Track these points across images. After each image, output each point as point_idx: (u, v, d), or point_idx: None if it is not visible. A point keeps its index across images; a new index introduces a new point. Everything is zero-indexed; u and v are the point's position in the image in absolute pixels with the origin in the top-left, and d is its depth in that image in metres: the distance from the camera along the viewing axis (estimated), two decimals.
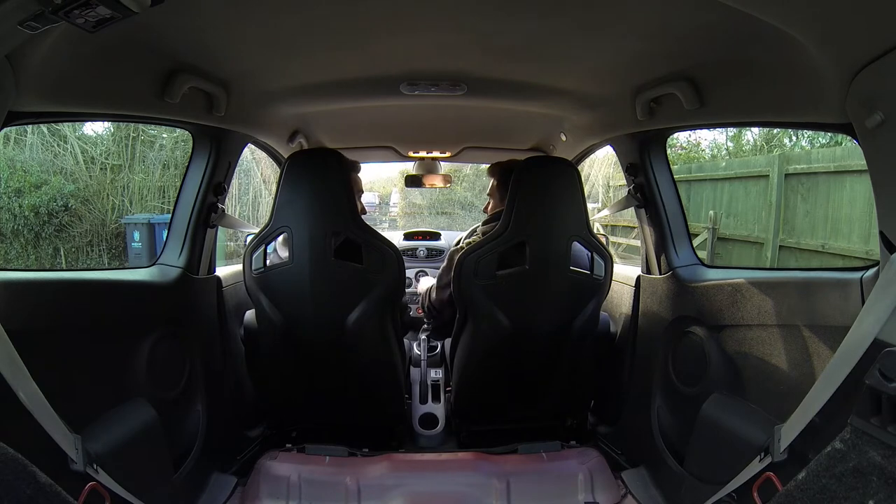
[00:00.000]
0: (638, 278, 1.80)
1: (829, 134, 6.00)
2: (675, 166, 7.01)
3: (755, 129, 8.17)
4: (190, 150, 1.66)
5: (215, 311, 1.74)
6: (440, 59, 1.41)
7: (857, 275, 1.04)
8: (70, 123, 7.23)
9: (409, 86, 1.52)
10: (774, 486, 1.06)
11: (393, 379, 1.67)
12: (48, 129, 7.28)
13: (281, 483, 1.49)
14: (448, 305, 1.71)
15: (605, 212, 2.22)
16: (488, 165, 1.97)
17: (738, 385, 1.36)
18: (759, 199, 5.87)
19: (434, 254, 2.93)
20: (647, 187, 1.69)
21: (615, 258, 1.77)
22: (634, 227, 7.04)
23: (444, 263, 1.75)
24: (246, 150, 1.91)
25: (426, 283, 1.98)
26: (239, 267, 1.88)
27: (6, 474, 0.85)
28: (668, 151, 1.74)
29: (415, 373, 2.11)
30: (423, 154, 2.52)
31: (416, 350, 2.26)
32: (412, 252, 2.91)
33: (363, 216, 1.56)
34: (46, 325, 1.16)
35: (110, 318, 1.34)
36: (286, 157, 1.51)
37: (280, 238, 1.49)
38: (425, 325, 2.14)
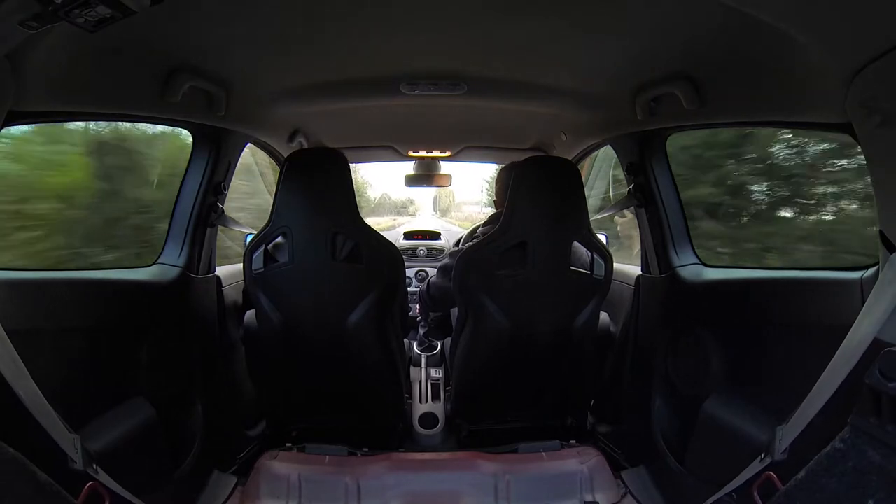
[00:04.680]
0: (638, 278, 1.79)
1: None
2: None
3: None
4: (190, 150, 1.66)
5: (215, 310, 1.74)
6: (440, 59, 1.41)
7: (857, 275, 1.04)
8: None
9: (409, 85, 1.52)
10: (774, 485, 1.06)
11: (393, 378, 1.67)
12: None
13: (281, 482, 1.49)
14: (447, 295, 1.71)
15: (606, 212, 2.22)
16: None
17: (738, 385, 1.37)
18: None
19: (434, 253, 2.93)
20: (647, 187, 1.69)
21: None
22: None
23: (445, 262, 1.74)
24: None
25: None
26: (239, 267, 1.88)
27: (6, 474, 0.85)
28: None
29: (415, 372, 2.11)
30: (422, 154, 2.52)
31: (416, 350, 2.26)
32: (412, 252, 2.91)
33: None
34: (46, 325, 1.16)
35: (110, 317, 1.34)
36: (286, 156, 1.51)
37: (277, 239, 1.49)
38: (421, 323, 2.14)
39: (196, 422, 1.60)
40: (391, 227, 4.82)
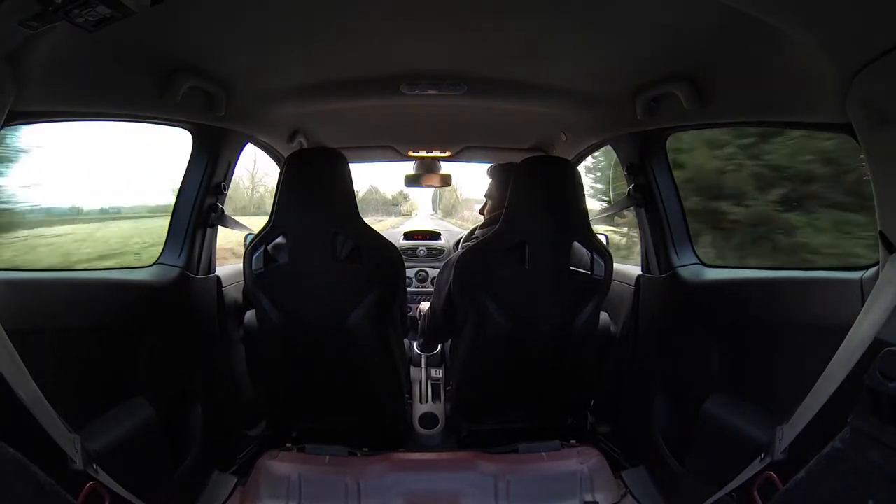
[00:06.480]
0: (638, 278, 1.80)
1: None
2: None
3: None
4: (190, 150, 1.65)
5: (215, 310, 1.74)
6: (440, 59, 1.40)
7: (857, 275, 1.04)
8: None
9: (409, 85, 1.52)
10: (774, 485, 1.06)
11: (393, 379, 1.67)
12: None
13: (281, 482, 1.49)
14: (448, 315, 1.68)
15: (606, 212, 2.22)
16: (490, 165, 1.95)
17: (738, 385, 1.37)
18: None
19: (434, 253, 2.93)
20: (647, 187, 1.69)
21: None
22: None
23: (441, 273, 1.71)
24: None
25: (425, 307, 1.96)
26: (239, 266, 1.88)
27: (6, 474, 0.85)
28: None
29: (415, 372, 2.11)
30: (422, 154, 2.52)
31: (416, 350, 2.26)
32: (412, 252, 2.91)
33: None
34: (46, 325, 1.16)
35: (110, 317, 1.34)
36: (286, 156, 1.51)
37: (278, 239, 1.49)
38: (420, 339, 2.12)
39: (196, 422, 1.60)
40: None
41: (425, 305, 1.95)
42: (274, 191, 1.49)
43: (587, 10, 1.08)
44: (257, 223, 1.66)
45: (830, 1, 0.81)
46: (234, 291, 1.89)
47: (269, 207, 1.47)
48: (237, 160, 1.78)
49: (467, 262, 1.50)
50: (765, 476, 1.09)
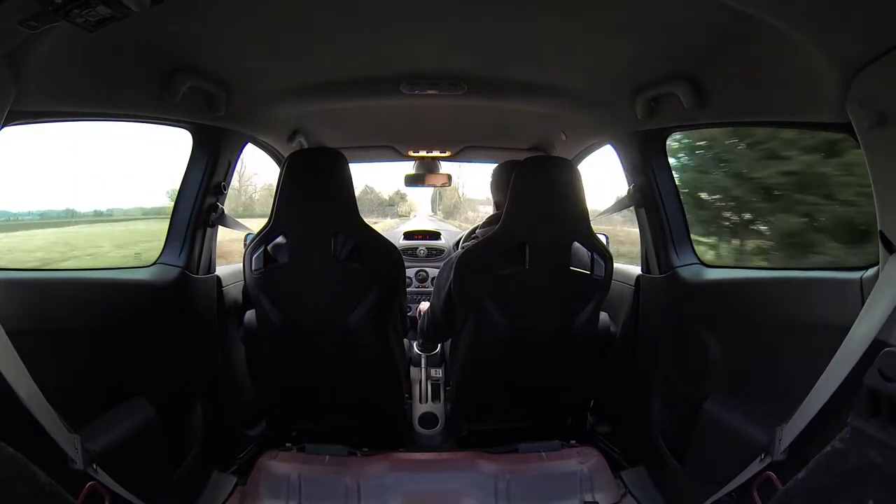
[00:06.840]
0: (638, 278, 1.80)
1: None
2: None
3: None
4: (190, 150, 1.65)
5: (215, 310, 1.74)
6: (440, 59, 1.41)
7: (857, 275, 1.04)
8: None
9: (409, 85, 1.52)
10: (774, 485, 1.06)
11: (393, 379, 1.67)
12: None
13: (281, 482, 1.49)
14: (448, 315, 1.68)
15: (606, 212, 2.21)
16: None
17: (738, 385, 1.37)
18: None
19: (434, 253, 2.93)
20: (647, 187, 1.69)
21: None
22: None
23: (441, 273, 1.71)
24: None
25: (425, 306, 1.96)
26: (239, 266, 1.88)
27: (6, 474, 0.85)
28: None
29: (415, 372, 2.11)
30: (423, 154, 2.52)
31: (416, 350, 2.26)
32: (412, 252, 2.91)
33: None
34: (46, 325, 1.16)
35: (110, 317, 1.34)
36: (286, 156, 1.51)
37: (278, 239, 1.49)
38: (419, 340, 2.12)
39: (196, 422, 1.60)
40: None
41: (425, 305, 1.95)
42: (264, 192, 1.49)
43: (587, 10, 1.08)
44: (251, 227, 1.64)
45: (831, 1, 0.81)
46: (234, 291, 1.89)
47: (259, 210, 1.47)
48: (237, 160, 1.78)
49: (467, 262, 1.50)
50: (764, 476, 1.09)
